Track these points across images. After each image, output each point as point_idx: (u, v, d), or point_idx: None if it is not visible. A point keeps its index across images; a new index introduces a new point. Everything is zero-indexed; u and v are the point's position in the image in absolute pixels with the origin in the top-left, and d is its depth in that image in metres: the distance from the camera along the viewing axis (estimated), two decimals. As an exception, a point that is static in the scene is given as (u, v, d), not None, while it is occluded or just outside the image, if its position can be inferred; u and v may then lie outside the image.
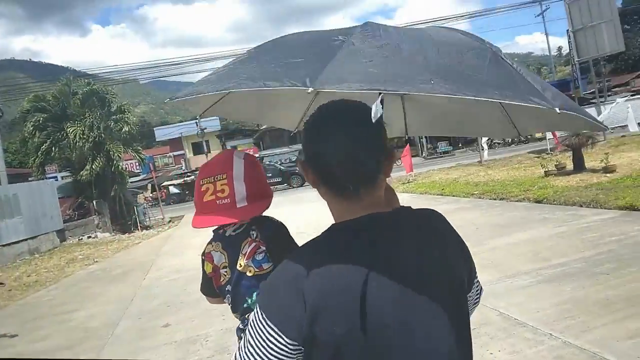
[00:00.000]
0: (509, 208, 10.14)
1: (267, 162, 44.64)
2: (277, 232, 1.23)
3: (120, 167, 17.68)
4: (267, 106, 1.51)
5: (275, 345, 0.86)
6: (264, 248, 1.17)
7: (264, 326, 0.88)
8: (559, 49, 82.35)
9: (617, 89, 37.01)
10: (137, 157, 19.29)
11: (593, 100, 31.45)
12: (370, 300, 0.84)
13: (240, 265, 1.17)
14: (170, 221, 23.24)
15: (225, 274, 1.21)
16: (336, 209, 0.96)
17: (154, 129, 56.45)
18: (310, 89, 0.81)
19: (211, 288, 1.29)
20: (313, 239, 0.94)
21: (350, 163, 0.89)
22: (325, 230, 0.94)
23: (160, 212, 24.30)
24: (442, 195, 13.97)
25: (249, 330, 0.91)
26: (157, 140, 54.33)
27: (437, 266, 0.93)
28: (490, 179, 14.90)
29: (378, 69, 0.86)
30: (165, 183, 43.18)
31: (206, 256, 1.26)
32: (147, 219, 23.68)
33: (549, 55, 49.76)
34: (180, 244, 13.24)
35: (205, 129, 46.98)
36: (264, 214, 1.28)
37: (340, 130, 0.90)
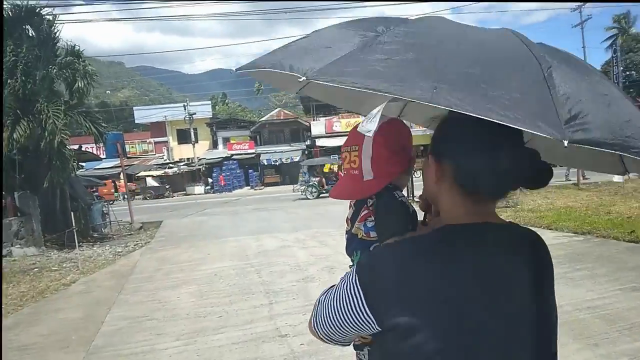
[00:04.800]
0: None
1: (265, 160, 38.47)
2: (387, 208, 1.15)
3: (56, 142, 10.46)
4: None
5: (356, 312, 0.91)
6: (373, 218, 1.17)
7: (353, 292, 0.92)
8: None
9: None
10: (93, 130, 12.18)
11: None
12: (464, 307, 0.87)
13: (355, 226, 1.22)
14: (141, 228, 16.34)
15: (347, 225, 1.26)
16: (454, 209, 0.96)
17: (134, 108, 48.76)
18: (303, 78, 0.84)
19: None
20: (426, 235, 0.96)
21: (506, 172, 0.87)
22: (440, 229, 0.95)
23: (128, 214, 17.33)
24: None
25: (339, 287, 0.96)
26: (136, 122, 46.77)
27: (533, 289, 0.94)
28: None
29: (386, 68, 0.82)
30: (142, 173, 36.09)
31: (349, 205, 1.28)
32: (107, 224, 16.72)
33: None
34: (147, 301, 6.40)
35: (195, 114, 39.93)
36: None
37: (505, 139, 0.86)
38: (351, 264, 1.22)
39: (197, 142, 40.03)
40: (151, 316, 5.72)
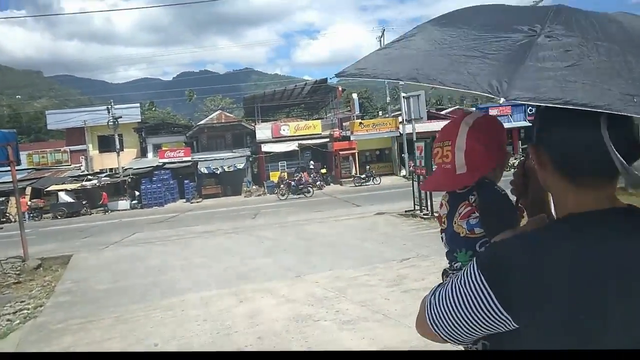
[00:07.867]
0: None
1: (205, 168, 33.68)
2: (494, 203, 1.15)
3: None
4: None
5: (489, 313, 0.87)
6: (478, 214, 1.15)
7: (482, 292, 0.88)
8: None
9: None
10: None
11: None
12: (599, 295, 0.83)
13: (455, 224, 1.20)
14: (38, 267, 11.37)
15: (444, 223, 1.24)
16: (567, 198, 0.93)
17: (46, 112, 41.59)
18: (502, 100, 0.78)
19: None
20: (552, 225, 0.96)
21: (602, 150, 0.82)
22: (565, 218, 0.92)
23: (22, 244, 12.22)
24: None
25: (458, 285, 0.92)
26: (49, 128, 39.94)
27: None
28: None
29: (573, 77, 0.77)
30: (53, 187, 29.98)
31: (440, 203, 1.28)
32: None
33: None
34: None
35: (120, 117, 34.27)
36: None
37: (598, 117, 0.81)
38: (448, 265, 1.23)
39: (122, 149, 34.34)
40: None
